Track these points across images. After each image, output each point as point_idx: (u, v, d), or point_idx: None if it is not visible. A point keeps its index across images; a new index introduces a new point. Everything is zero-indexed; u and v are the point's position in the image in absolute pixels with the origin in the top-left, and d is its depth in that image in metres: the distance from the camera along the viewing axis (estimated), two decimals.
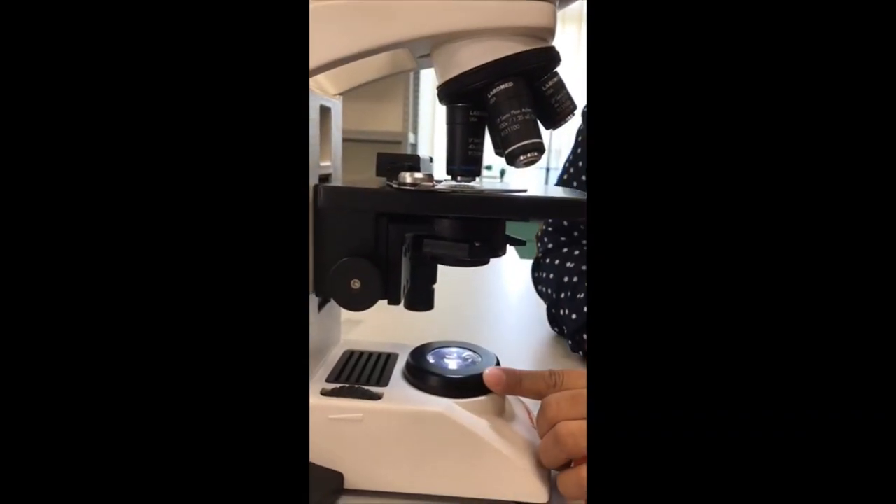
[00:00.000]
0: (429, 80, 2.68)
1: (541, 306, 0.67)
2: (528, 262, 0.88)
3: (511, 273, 1.07)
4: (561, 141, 2.75)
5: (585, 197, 0.30)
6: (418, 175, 0.30)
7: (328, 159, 0.36)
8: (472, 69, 0.30)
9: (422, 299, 0.38)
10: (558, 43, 0.31)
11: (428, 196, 0.29)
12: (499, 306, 0.83)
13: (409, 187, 0.30)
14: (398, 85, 2.48)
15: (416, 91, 2.60)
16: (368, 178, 0.35)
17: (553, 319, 0.64)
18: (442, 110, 0.34)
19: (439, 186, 0.30)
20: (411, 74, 2.39)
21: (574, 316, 0.56)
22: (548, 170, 2.79)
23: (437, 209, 0.30)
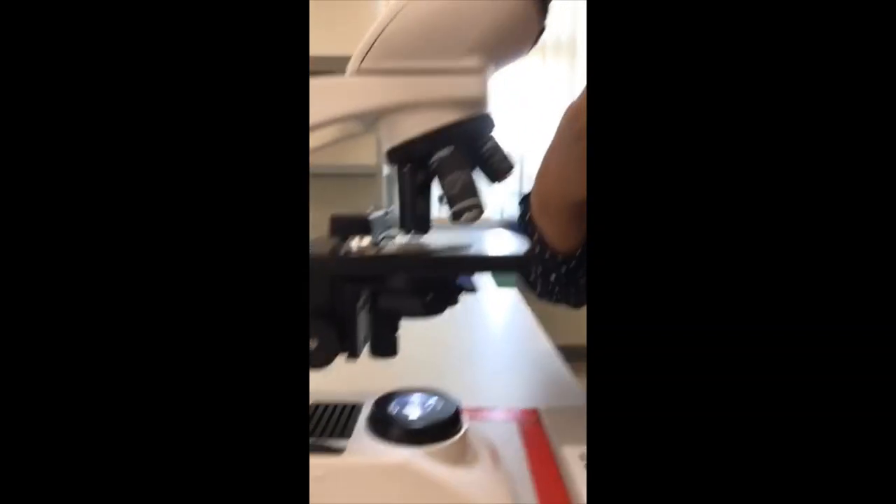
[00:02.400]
0: None
1: (510, 342, 0.68)
2: (499, 298, 0.90)
3: (480, 312, 1.08)
4: (533, 168, 2.81)
5: (524, 250, 0.32)
6: (366, 241, 0.32)
7: None
8: (413, 138, 0.32)
9: (385, 348, 0.40)
10: (548, 74, 0.34)
11: (375, 260, 0.31)
12: (465, 346, 0.84)
13: (355, 255, 0.32)
14: None
15: None
16: (323, 238, 0.37)
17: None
18: None
19: (389, 247, 0.32)
20: None
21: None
22: (521, 194, 2.84)
23: (385, 271, 0.32)
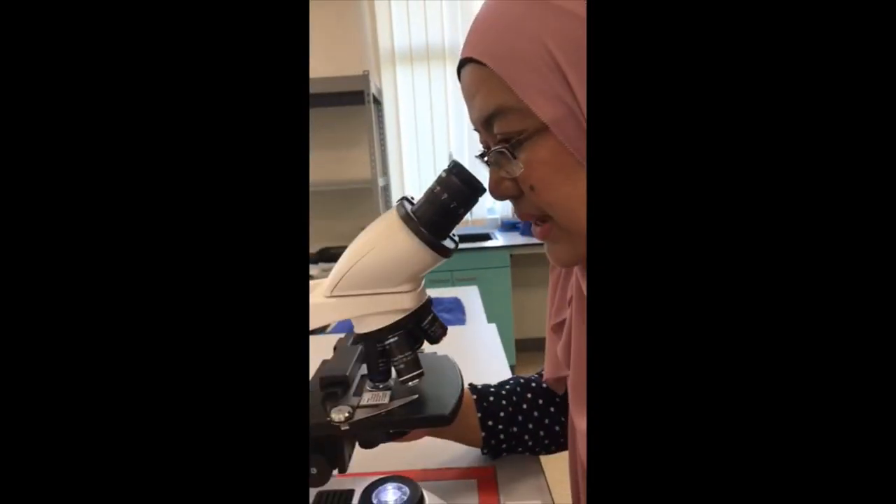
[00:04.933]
0: (392, 124, 2.84)
1: None
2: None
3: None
4: None
5: (451, 410, 0.47)
6: (343, 414, 0.47)
7: None
8: (372, 331, 0.47)
9: (369, 446, 0.56)
10: None
11: (348, 429, 0.46)
12: None
13: (335, 423, 0.47)
14: (362, 133, 2.65)
15: (382, 136, 2.75)
16: (313, 389, 0.52)
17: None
18: (410, 151, 0.47)
19: (358, 412, 0.47)
20: (374, 124, 2.54)
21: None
22: None
23: (356, 433, 0.48)
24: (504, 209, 3.02)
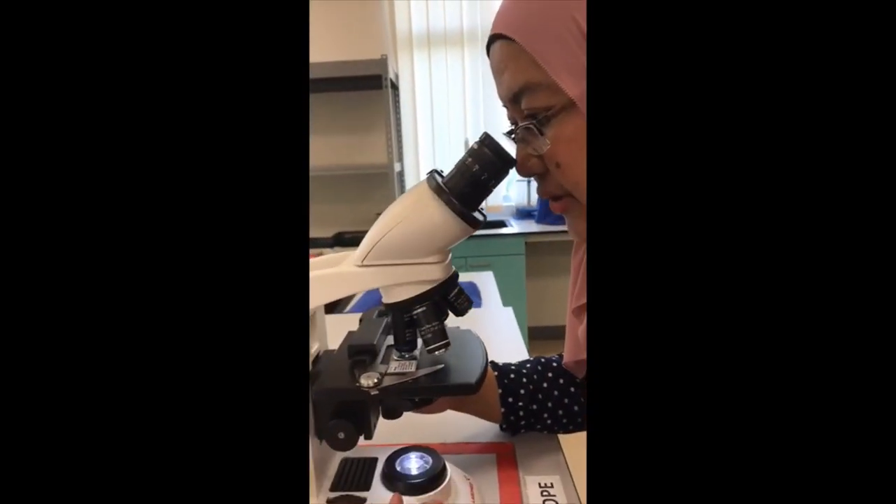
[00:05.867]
0: (409, 110, 2.83)
1: None
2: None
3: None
4: None
5: (476, 378, 0.48)
6: (372, 379, 0.48)
7: (317, 341, 0.55)
8: (401, 301, 0.48)
9: (393, 415, 0.57)
10: None
11: (377, 394, 0.48)
12: None
13: (364, 388, 0.48)
14: (380, 118, 2.65)
15: (399, 123, 2.75)
16: (341, 357, 0.53)
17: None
18: (426, 137, 0.48)
19: (386, 379, 0.48)
20: (391, 109, 2.54)
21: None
22: (529, 181, 2.96)
23: (384, 398, 0.49)
24: (520, 197, 3.02)
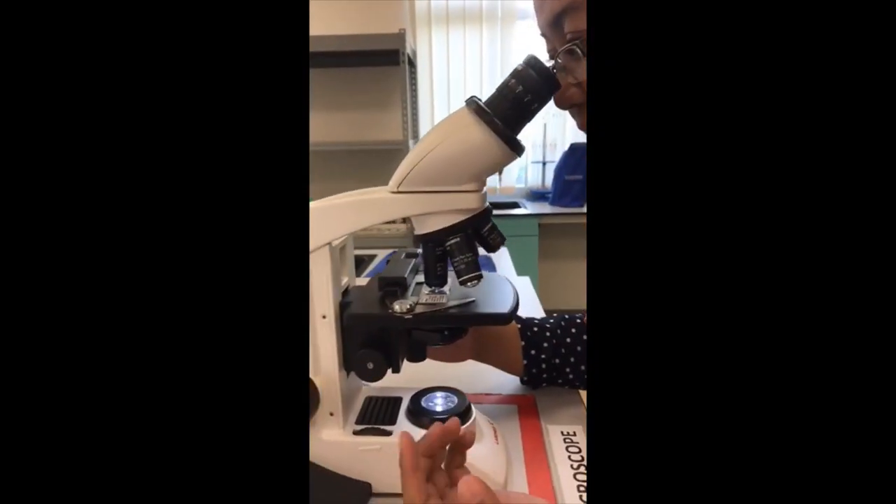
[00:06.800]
0: (426, 89, 2.81)
1: None
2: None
3: None
4: (555, 136, 2.89)
5: (510, 308, 0.48)
6: (405, 305, 0.47)
7: (346, 275, 0.54)
8: (434, 231, 0.47)
9: (418, 356, 0.57)
10: None
11: (410, 320, 0.47)
12: None
13: (398, 314, 0.47)
14: (395, 95, 2.63)
15: (415, 100, 2.73)
16: (371, 288, 0.53)
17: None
18: (440, 115, 0.48)
19: (418, 308, 0.48)
20: (407, 85, 2.52)
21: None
22: (544, 163, 2.93)
23: (417, 325, 0.49)
24: (534, 179, 3.00)
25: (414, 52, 2.71)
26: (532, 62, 0.41)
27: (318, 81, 2.65)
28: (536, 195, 2.95)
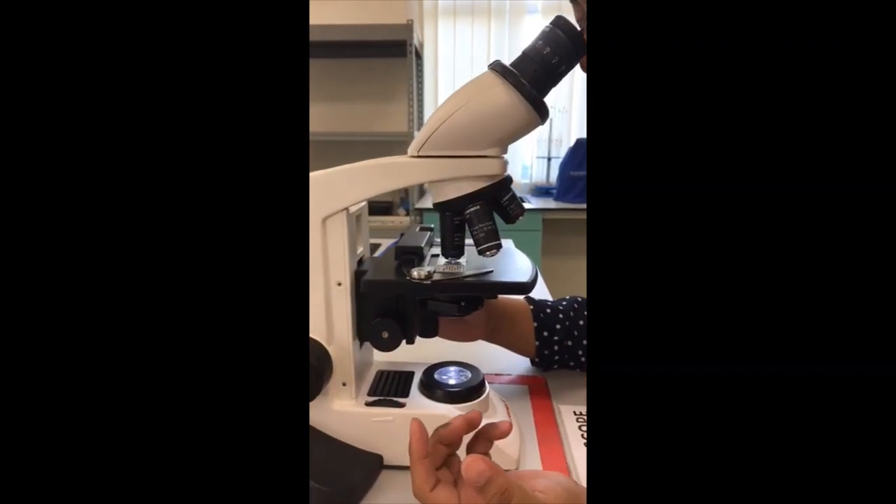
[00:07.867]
0: (431, 81, 2.80)
1: None
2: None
3: None
4: (560, 131, 2.88)
5: (530, 278, 0.47)
6: (423, 272, 0.47)
7: (361, 245, 0.53)
8: (453, 198, 0.46)
9: (430, 331, 0.56)
10: None
11: (428, 287, 0.46)
12: None
13: (416, 280, 0.47)
14: (401, 86, 2.62)
15: (420, 92, 2.72)
16: (387, 258, 0.52)
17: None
18: None
19: (436, 276, 0.47)
20: (414, 77, 2.51)
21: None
22: (549, 159, 2.92)
23: (435, 293, 0.48)
24: (539, 174, 2.99)
25: (421, 45, 2.70)
26: (560, 22, 0.41)
27: (326, 71, 2.64)
28: (541, 191, 2.93)
